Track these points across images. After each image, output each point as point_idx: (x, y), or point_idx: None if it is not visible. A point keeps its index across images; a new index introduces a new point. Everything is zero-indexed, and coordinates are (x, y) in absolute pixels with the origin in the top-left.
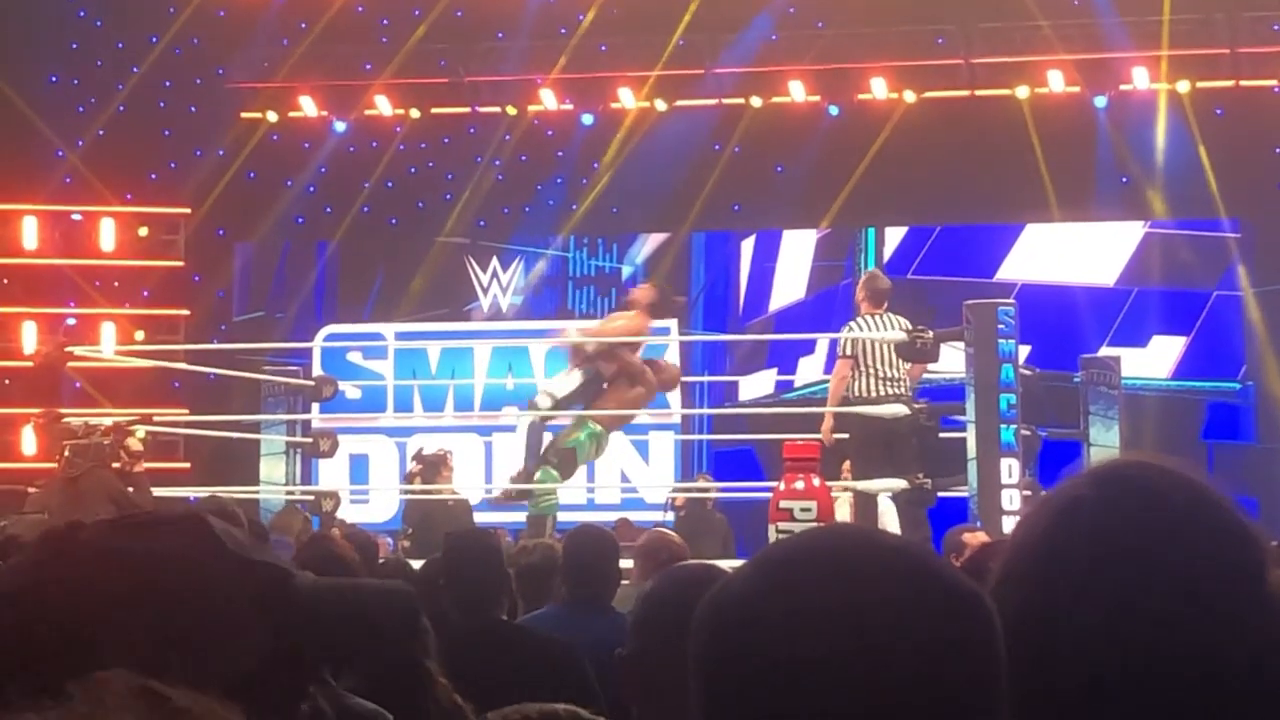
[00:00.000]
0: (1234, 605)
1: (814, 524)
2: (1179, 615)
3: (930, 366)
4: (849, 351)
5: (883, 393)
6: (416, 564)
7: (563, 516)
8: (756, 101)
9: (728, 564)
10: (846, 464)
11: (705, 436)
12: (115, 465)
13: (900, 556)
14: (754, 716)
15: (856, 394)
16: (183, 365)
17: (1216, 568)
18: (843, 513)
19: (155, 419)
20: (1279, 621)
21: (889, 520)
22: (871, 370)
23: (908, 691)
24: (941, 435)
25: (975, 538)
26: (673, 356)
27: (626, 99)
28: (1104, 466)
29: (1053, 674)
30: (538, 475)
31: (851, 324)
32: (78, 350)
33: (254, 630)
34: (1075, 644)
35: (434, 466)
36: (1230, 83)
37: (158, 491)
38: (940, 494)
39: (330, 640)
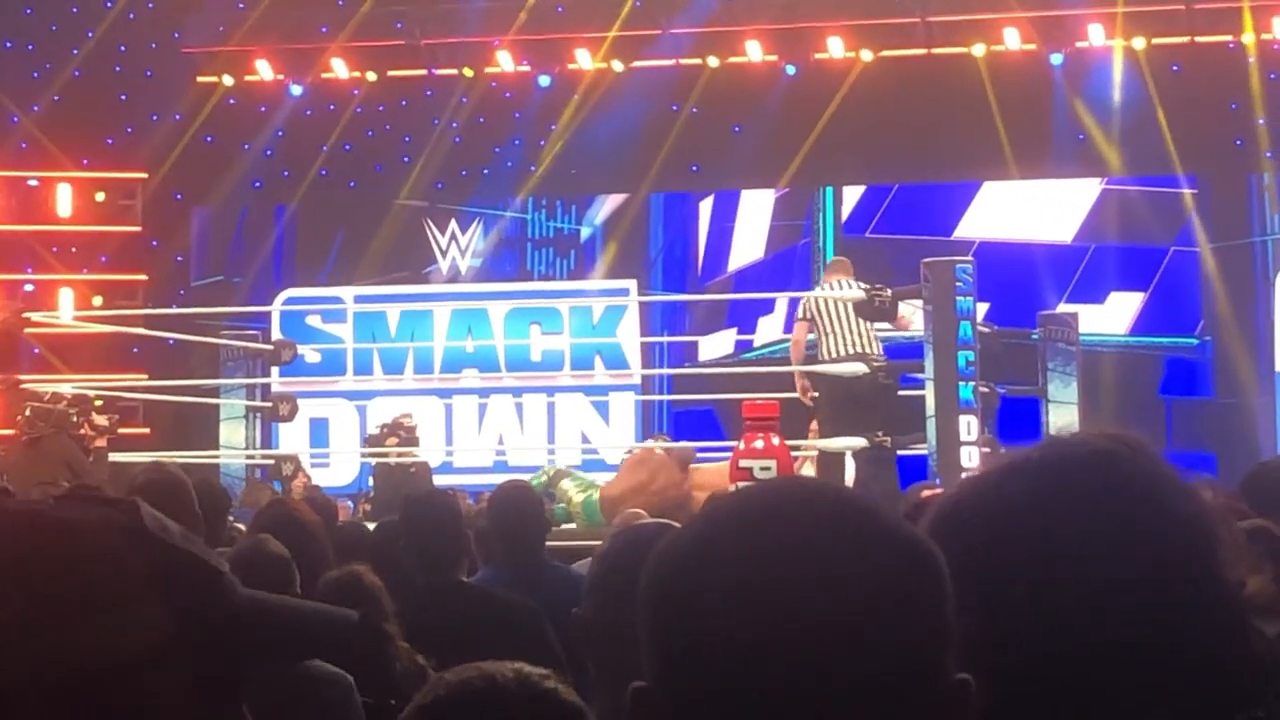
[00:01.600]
0: (1169, 576)
1: None
2: (1106, 583)
3: (888, 325)
4: (804, 315)
5: (839, 356)
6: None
7: (524, 478)
8: (714, 61)
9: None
10: (814, 424)
11: (665, 397)
12: (80, 432)
13: (848, 511)
14: (701, 674)
15: (824, 357)
16: (141, 330)
17: (1152, 539)
18: (808, 473)
19: (115, 385)
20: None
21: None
22: (834, 332)
23: (855, 649)
24: (900, 393)
25: (935, 495)
26: (632, 317)
27: (584, 60)
28: (1055, 436)
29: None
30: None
31: (813, 289)
32: (35, 316)
33: (146, 618)
34: (1002, 607)
35: (411, 441)
36: (1186, 38)
37: (117, 456)
38: (900, 451)
39: (262, 655)
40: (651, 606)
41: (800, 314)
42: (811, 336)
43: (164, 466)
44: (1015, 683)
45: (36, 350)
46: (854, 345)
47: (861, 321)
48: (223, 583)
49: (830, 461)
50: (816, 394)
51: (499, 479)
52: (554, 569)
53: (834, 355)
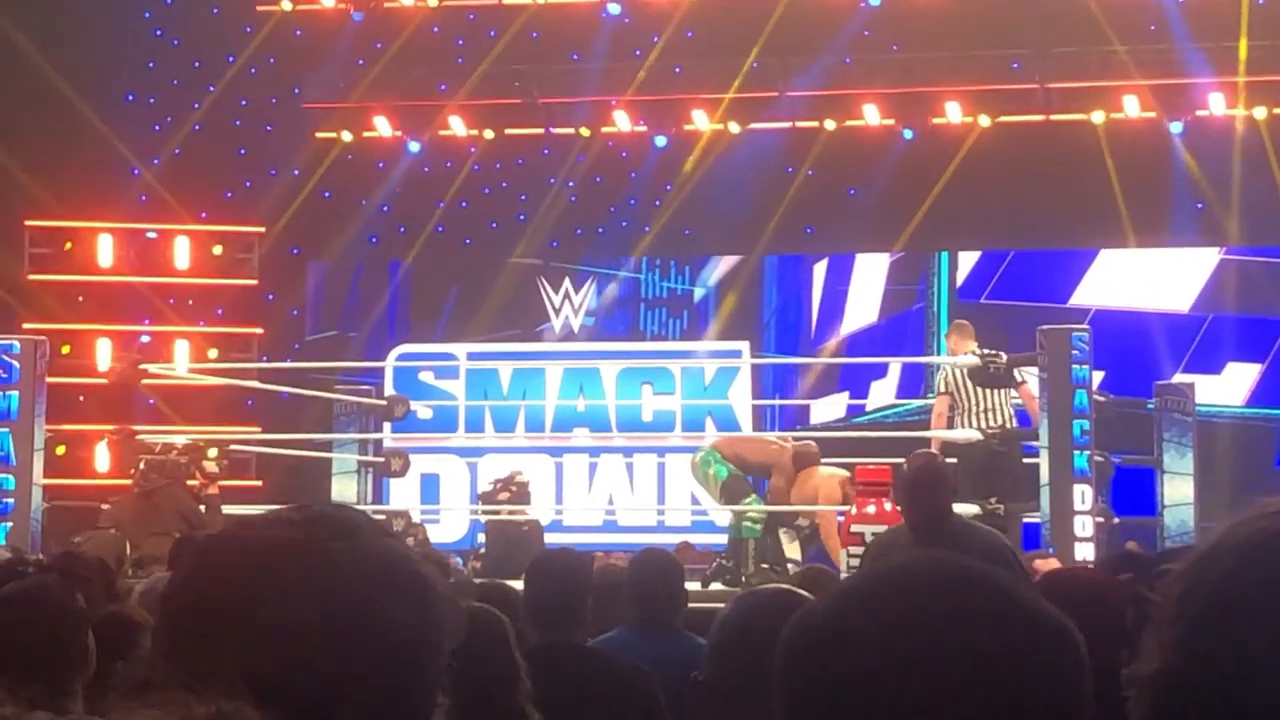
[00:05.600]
0: None
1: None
2: None
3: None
4: (945, 388)
5: (978, 426)
6: None
7: (633, 539)
8: (830, 124)
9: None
10: None
11: None
12: (190, 484)
13: (984, 585)
14: None
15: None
16: (256, 384)
17: None
18: None
19: (229, 437)
20: None
21: None
22: (969, 405)
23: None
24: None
25: (1047, 564)
26: (744, 379)
27: (700, 121)
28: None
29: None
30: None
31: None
32: (151, 368)
33: None
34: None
35: (522, 496)
36: None
37: (230, 509)
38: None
39: None
40: (789, 676)
41: (940, 387)
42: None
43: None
44: None
45: (151, 401)
46: (988, 417)
47: (996, 393)
48: None
49: None
50: (953, 460)
51: (609, 538)
52: (685, 637)
53: (966, 428)
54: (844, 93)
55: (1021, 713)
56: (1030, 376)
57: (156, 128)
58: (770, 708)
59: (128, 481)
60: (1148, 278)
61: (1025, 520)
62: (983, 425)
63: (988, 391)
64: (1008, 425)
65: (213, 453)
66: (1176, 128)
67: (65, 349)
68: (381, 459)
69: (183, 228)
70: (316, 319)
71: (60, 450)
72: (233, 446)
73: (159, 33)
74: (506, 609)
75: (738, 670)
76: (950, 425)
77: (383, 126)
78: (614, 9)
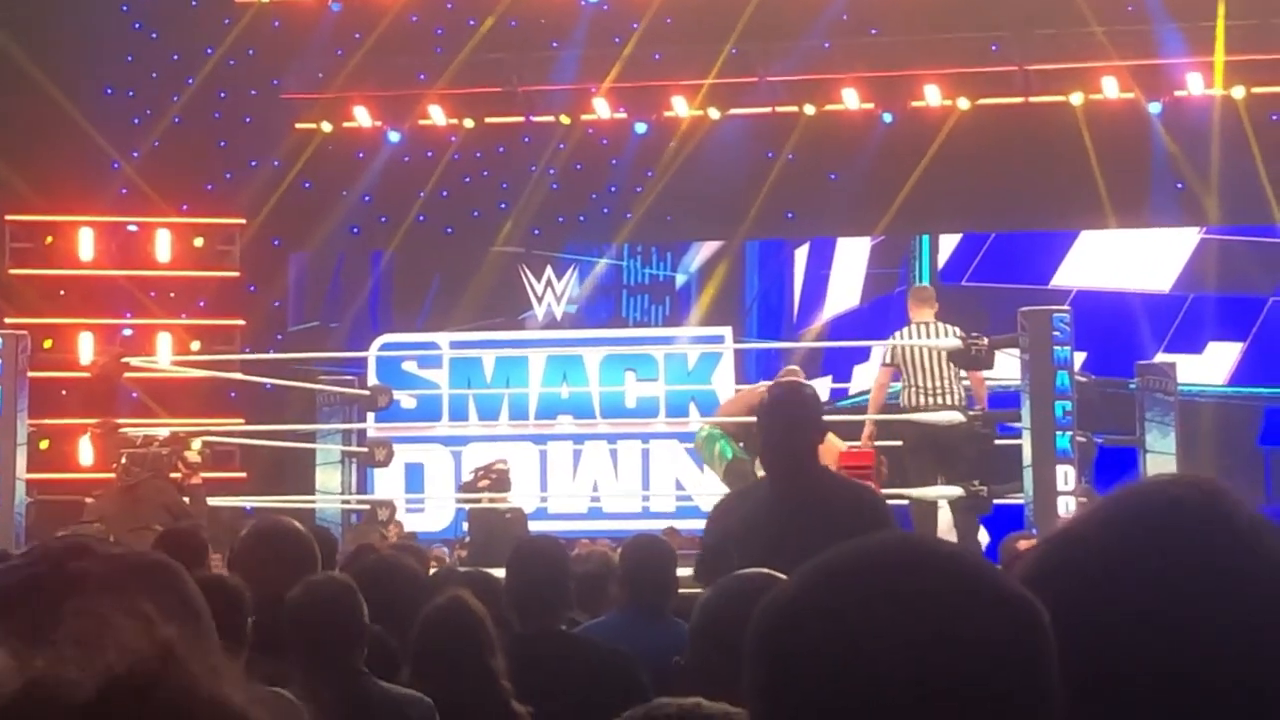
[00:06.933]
0: None
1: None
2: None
3: (985, 374)
4: (889, 360)
5: (923, 404)
6: None
7: (618, 525)
8: (810, 109)
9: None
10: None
11: None
12: (173, 476)
13: (951, 564)
14: None
15: (906, 403)
16: (239, 375)
17: None
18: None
19: (212, 429)
20: None
21: (946, 528)
22: (912, 383)
23: (958, 698)
24: (997, 442)
25: (1029, 545)
26: (727, 364)
27: (680, 107)
28: (1177, 479)
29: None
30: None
31: (897, 334)
32: (134, 361)
33: None
34: (1106, 657)
35: (502, 483)
36: None
37: (214, 501)
38: (996, 501)
39: None
40: (759, 657)
41: (887, 359)
42: (897, 385)
43: (276, 517)
44: None
45: (135, 394)
46: (938, 393)
47: (949, 367)
48: None
49: (925, 510)
50: (900, 443)
51: (594, 525)
52: (675, 623)
53: (914, 403)
54: (823, 77)
55: (986, 691)
56: (1009, 357)
57: (136, 121)
58: None
59: (112, 475)
60: (1128, 258)
61: (1007, 502)
62: (928, 402)
63: (939, 367)
64: (953, 401)
65: (196, 444)
66: (1155, 108)
67: (47, 343)
68: (365, 449)
69: (163, 220)
70: (299, 310)
71: (44, 445)
72: (215, 438)
73: (137, 25)
74: (490, 597)
75: (718, 654)
76: (897, 400)
77: (362, 117)
78: None
